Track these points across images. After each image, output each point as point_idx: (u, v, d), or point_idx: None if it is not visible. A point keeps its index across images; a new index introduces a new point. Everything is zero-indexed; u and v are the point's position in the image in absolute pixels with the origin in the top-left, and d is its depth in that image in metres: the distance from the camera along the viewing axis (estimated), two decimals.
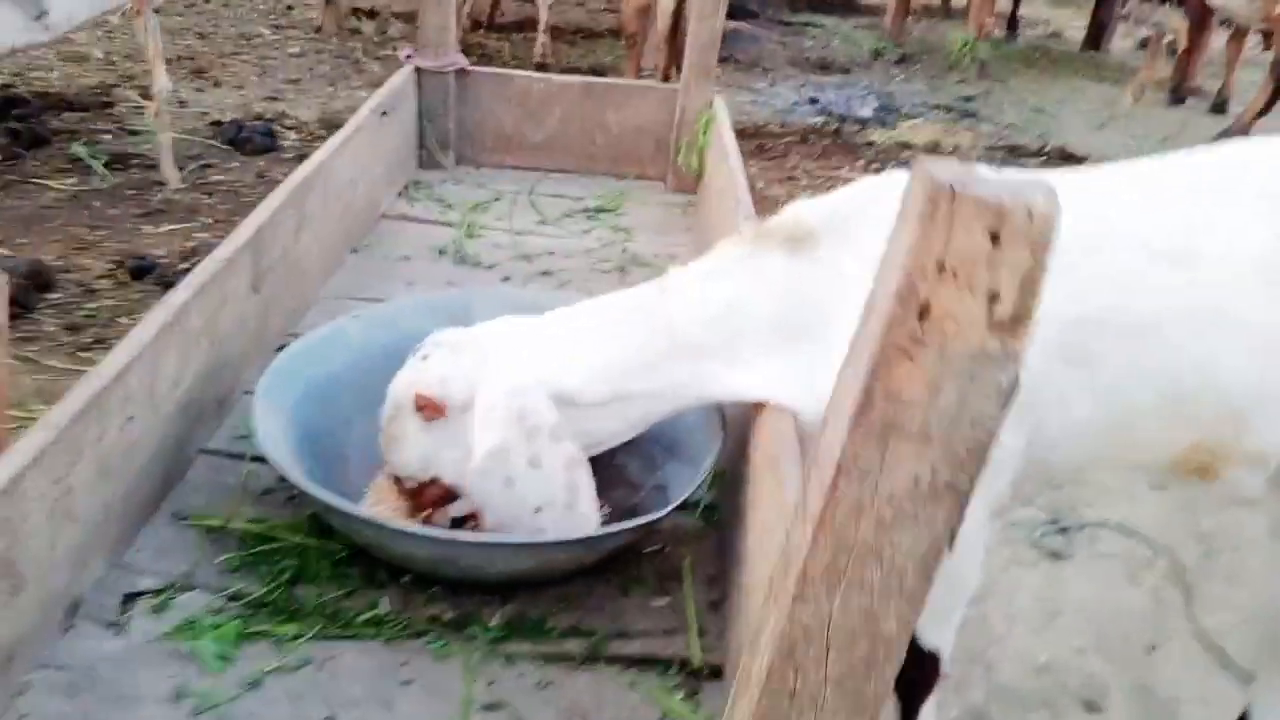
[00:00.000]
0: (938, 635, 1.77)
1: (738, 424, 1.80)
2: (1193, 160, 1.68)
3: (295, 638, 1.57)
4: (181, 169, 4.90)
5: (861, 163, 6.22)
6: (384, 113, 3.08)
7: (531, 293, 2.36)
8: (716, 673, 1.60)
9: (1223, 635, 2.69)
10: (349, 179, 2.76)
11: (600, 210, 3.40)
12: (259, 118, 5.81)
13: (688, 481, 1.74)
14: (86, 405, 1.51)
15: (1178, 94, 8.80)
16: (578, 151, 3.67)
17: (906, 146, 6.70)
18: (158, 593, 1.63)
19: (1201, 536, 3.13)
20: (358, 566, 1.73)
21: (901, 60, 9.22)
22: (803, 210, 1.67)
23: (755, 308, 1.63)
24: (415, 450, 1.70)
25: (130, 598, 1.61)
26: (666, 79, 6.04)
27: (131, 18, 4.58)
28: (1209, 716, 2.40)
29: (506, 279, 2.84)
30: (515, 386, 1.63)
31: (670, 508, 1.64)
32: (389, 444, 1.73)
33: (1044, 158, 6.78)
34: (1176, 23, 8.63)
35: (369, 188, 3.00)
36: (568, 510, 1.59)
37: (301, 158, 5.12)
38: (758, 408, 1.71)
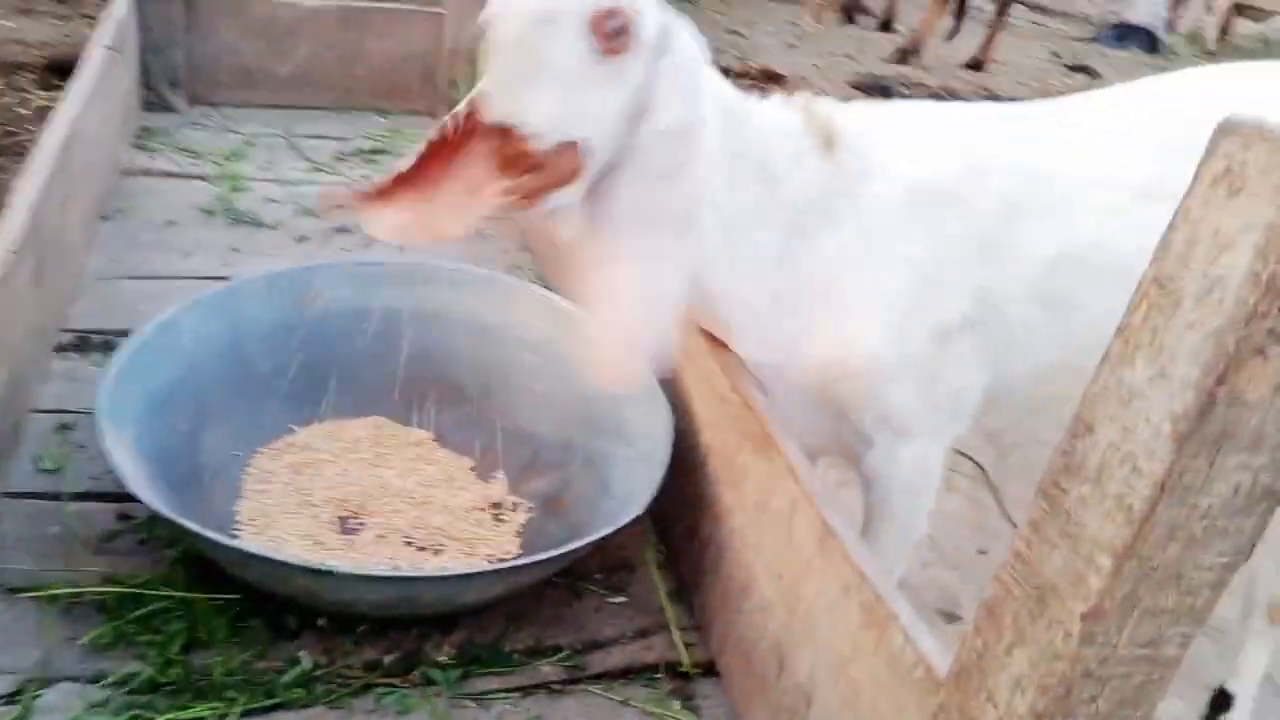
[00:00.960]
0: None
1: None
2: (1152, 91, 1.66)
3: None
4: None
5: None
6: (116, 49, 2.55)
7: (376, 260, 2.03)
8: (706, 670, 1.46)
9: None
10: (96, 133, 2.26)
11: (376, 152, 3.04)
12: None
13: (640, 471, 1.54)
14: None
15: (849, 14, 9.30)
16: (334, 85, 3.26)
17: None
18: (11, 697, 1.24)
19: (989, 436, 3.31)
20: (257, 617, 1.41)
21: None
22: (829, 109, 1.51)
23: (788, 193, 1.46)
24: (555, 97, 1.21)
25: None
26: None
27: None
28: None
29: (303, 239, 2.47)
30: (732, 105, 1.39)
31: (640, 511, 1.44)
32: (505, 82, 1.21)
33: (751, 79, 6.91)
34: None
35: (110, 141, 2.49)
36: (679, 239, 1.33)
37: None
38: (699, 379, 1.55)
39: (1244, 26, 10.60)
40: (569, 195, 1.30)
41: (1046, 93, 7.54)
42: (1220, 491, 0.71)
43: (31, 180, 1.71)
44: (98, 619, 1.35)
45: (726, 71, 5.63)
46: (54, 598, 1.37)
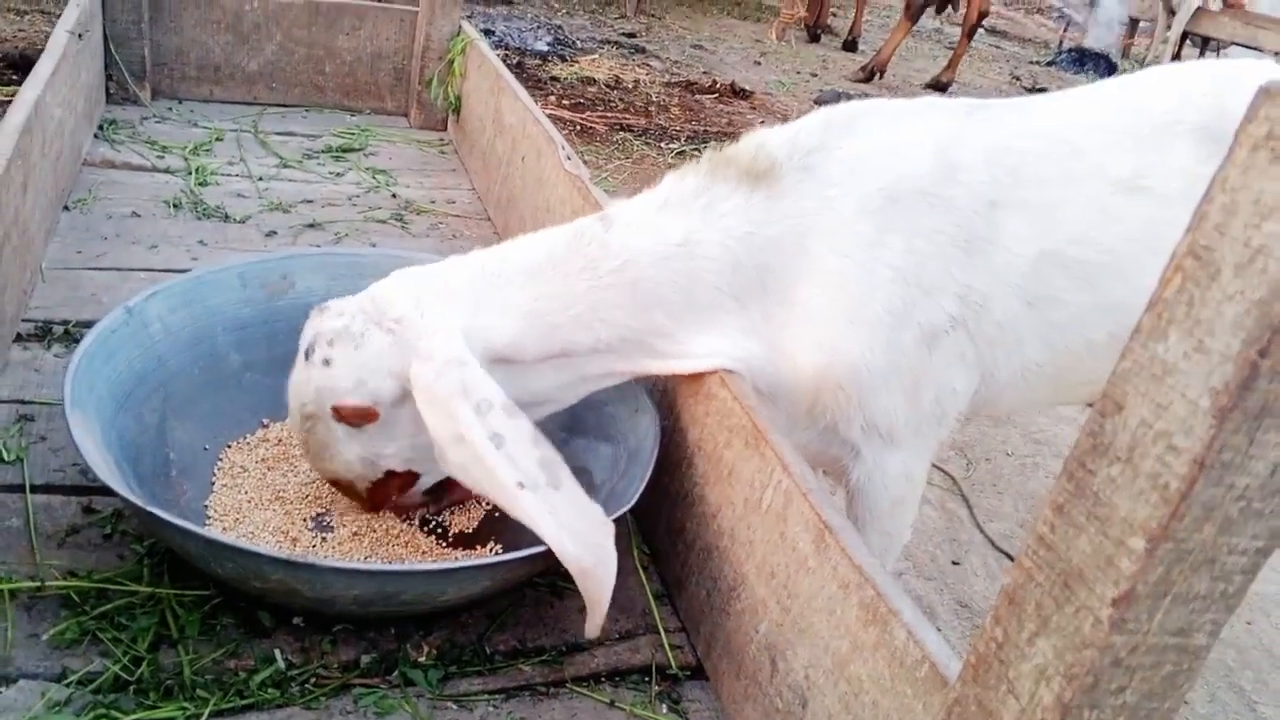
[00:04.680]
0: None
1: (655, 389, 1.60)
2: (1131, 86, 1.66)
3: None
4: None
5: (554, 98, 6.03)
6: (80, 35, 2.48)
7: (350, 251, 1.98)
8: (694, 672, 1.42)
9: (1007, 541, 2.86)
10: (58, 119, 2.19)
11: (346, 150, 2.99)
12: None
13: (624, 468, 1.51)
14: None
15: (813, 33, 9.38)
16: (303, 82, 3.21)
17: (590, 81, 6.59)
18: None
19: (960, 448, 3.32)
20: (229, 615, 1.35)
21: None
22: (764, 139, 1.48)
23: (712, 249, 1.42)
24: (353, 454, 1.43)
25: None
26: None
27: None
28: None
29: (272, 234, 2.41)
30: (451, 357, 1.32)
31: (624, 509, 1.40)
32: (315, 455, 1.44)
33: (717, 93, 6.93)
34: None
35: (72, 130, 2.42)
36: (554, 489, 1.29)
37: None
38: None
39: (1195, 56, 10.83)
40: (425, 484, 1.52)
41: None
42: (1258, 470, 0.69)
43: None
44: (60, 614, 1.29)
45: (691, 85, 5.62)
46: (14, 592, 1.30)
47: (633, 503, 1.40)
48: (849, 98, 7.12)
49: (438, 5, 3.10)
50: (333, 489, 1.54)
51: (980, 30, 9.21)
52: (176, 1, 3.00)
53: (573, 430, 1.65)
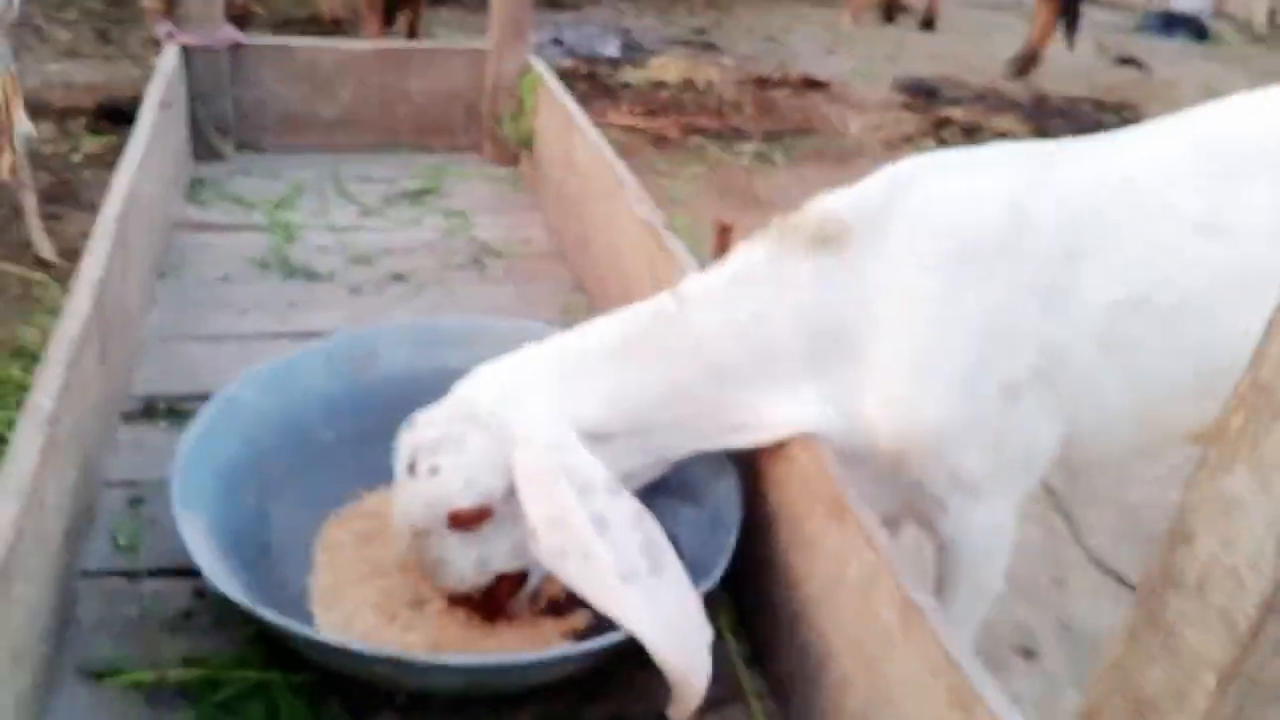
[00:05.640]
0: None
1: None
2: (1204, 121, 1.62)
3: None
4: None
5: (625, 106, 6.06)
6: (169, 105, 2.59)
7: (432, 321, 2.03)
8: None
9: (1112, 558, 2.81)
10: (150, 194, 2.29)
11: (423, 192, 3.06)
12: None
13: (707, 534, 1.53)
14: None
15: (889, 13, 9.22)
16: (378, 126, 3.28)
17: (662, 85, 6.60)
18: None
19: (1060, 461, 3.25)
20: (336, 695, 1.42)
21: None
22: (830, 204, 1.49)
23: (785, 319, 1.44)
24: (467, 562, 1.45)
25: None
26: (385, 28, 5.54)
27: None
28: None
29: (357, 290, 2.48)
30: (551, 442, 1.36)
31: (710, 583, 1.42)
32: (432, 570, 1.46)
33: (791, 87, 6.88)
34: None
35: (164, 199, 2.52)
36: (655, 576, 1.32)
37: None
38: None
39: None
40: (533, 584, 1.54)
41: (1094, 89, 7.41)
42: None
43: (93, 258, 1.73)
44: (180, 703, 1.37)
45: (764, 80, 5.58)
46: (137, 684, 1.38)
47: (717, 580, 1.42)
48: (930, 85, 6.99)
49: (506, 43, 3.14)
50: None
51: None
52: (255, 57, 3.10)
53: (655, 489, 1.67)
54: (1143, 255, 1.48)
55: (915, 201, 1.47)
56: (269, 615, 1.26)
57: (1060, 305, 1.47)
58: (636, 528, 1.33)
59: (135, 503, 1.71)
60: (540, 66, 3.14)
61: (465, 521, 1.41)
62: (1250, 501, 0.69)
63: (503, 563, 1.47)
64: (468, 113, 3.31)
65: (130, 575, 1.56)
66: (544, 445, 1.35)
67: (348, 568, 1.60)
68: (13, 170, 2.85)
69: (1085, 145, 1.60)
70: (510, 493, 1.40)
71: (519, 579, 1.51)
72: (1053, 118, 6.60)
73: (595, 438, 1.43)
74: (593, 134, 2.60)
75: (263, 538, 1.59)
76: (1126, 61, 8.33)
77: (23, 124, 2.85)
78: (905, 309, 1.45)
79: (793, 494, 1.48)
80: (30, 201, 3.04)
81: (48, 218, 3.74)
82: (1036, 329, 1.46)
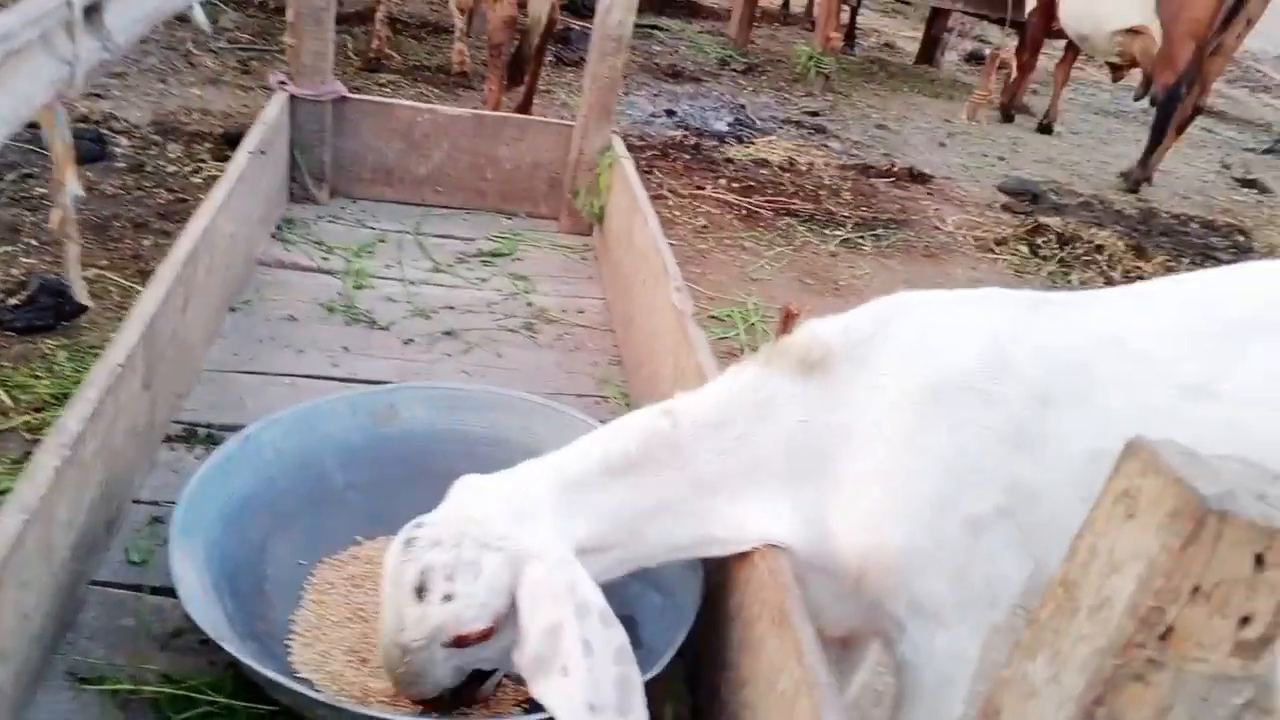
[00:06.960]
0: None
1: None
2: (1204, 286, 1.65)
3: None
4: None
5: (724, 181, 6.18)
6: (262, 152, 2.79)
7: (452, 386, 2.15)
8: None
9: None
10: (229, 234, 2.48)
11: (495, 255, 3.20)
12: (84, 120, 5.26)
13: (667, 622, 1.59)
14: None
15: (1008, 113, 9.19)
16: (466, 187, 3.46)
17: (764, 163, 6.71)
18: None
19: (1033, 595, 3.20)
20: None
21: (747, 70, 9.25)
22: (818, 330, 1.56)
23: (769, 440, 1.51)
24: (448, 669, 1.48)
25: None
26: (497, 105, 5.73)
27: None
28: None
29: (410, 341, 2.62)
30: (559, 558, 1.43)
31: (658, 670, 1.49)
32: (410, 681, 1.48)
33: (893, 178, 6.91)
34: (1007, 44, 8.99)
35: (246, 236, 2.71)
36: (620, 715, 1.35)
37: (137, 168, 4.72)
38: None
39: None
40: (498, 677, 1.57)
41: (1209, 209, 7.27)
42: None
43: (150, 293, 1.90)
44: (152, 716, 1.48)
45: (868, 169, 5.60)
46: (115, 692, 1.50)
47: (658, 670, 1.48)
48: (1036, 188, 6.95)
49: (591, 120, 3.29)
50: None
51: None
52: (357, 112, 3.31)
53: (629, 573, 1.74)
54: (1127, 411, 1.50)
55: (899, 335, 1.53)
56: (223, 642, 1.37)
57: (1032, 451, 1.50)
58: (617, 662, 1.39)
59: (155, 521, 1.85)
60: (619, 147, 3.27)
61: (469, 643, 1.43)
62: (1043, 692, 0.74)
63: (486, 665, 1.51)
64: (550, 183, 3.47)
65: (135, 589, 1.69)
66: (555, 560, 1.42)
67: (332, 609, 1.71)
68: (61, 224, 3.04)
69: (1081, 299, 1.64)
70: (510, 608, 1.43)
71: (489, 673, 1.55)
72: (1156, 235, 6.48)
73: (586, 551, 1.50)
74: (652, 219, 2.70)
75: (261, 570, 1.71)
76: (1248, 183, 8.13)
77: (73, 184, 2.97)
78: (880, 435, 1.50)
79: (750, 596, 1.53)
80: (74, 252, 3.20)
81: (159, 234, 4.01)
82: (1004, 470, 1.49)
